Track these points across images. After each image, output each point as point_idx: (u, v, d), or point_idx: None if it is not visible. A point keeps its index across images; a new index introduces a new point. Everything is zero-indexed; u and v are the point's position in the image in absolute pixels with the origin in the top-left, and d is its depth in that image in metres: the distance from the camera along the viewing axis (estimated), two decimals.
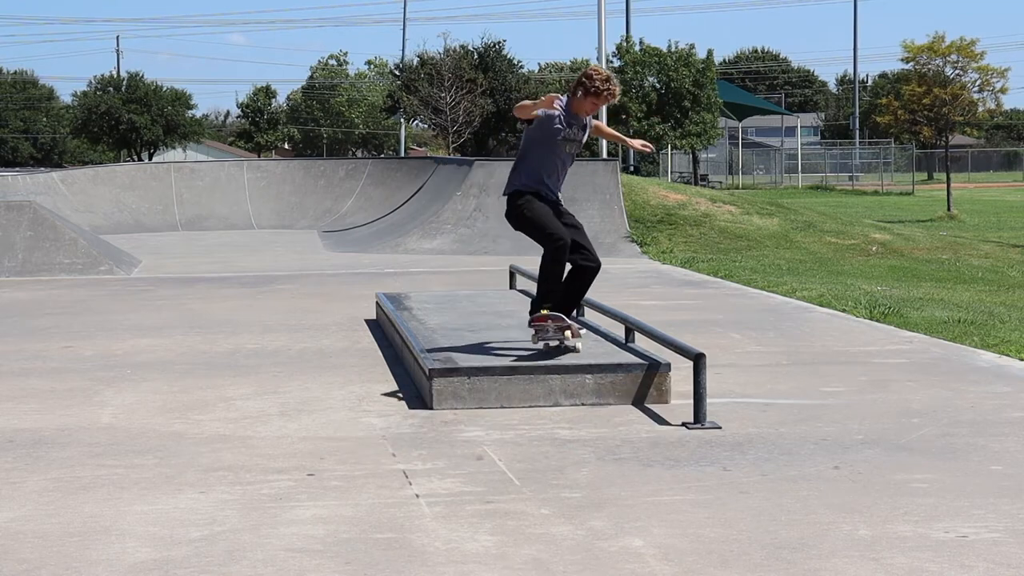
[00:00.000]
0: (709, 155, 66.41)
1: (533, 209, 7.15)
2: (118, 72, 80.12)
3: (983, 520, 4.60)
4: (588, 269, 7.23)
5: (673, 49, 48.96)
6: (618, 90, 7.21)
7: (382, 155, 72.11)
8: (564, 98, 7.19)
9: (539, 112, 7.07)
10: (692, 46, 49.38)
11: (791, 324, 10.05)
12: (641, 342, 7.56)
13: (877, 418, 6.42)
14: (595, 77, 7.12)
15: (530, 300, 7.58)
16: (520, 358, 6.99)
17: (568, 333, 7.10)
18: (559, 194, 7.31)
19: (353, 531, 4.52)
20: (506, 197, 7.33)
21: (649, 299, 12.04)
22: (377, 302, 10.08)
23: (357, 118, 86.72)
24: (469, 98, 48.40)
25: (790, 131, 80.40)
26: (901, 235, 21.26)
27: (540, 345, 7.17)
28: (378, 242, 19.33)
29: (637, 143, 7.71)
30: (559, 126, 7.13)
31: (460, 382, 6.70)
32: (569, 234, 7.12)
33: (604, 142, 23.80)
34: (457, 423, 6.36)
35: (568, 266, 7.20)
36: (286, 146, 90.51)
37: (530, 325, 7.19)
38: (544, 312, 7.09)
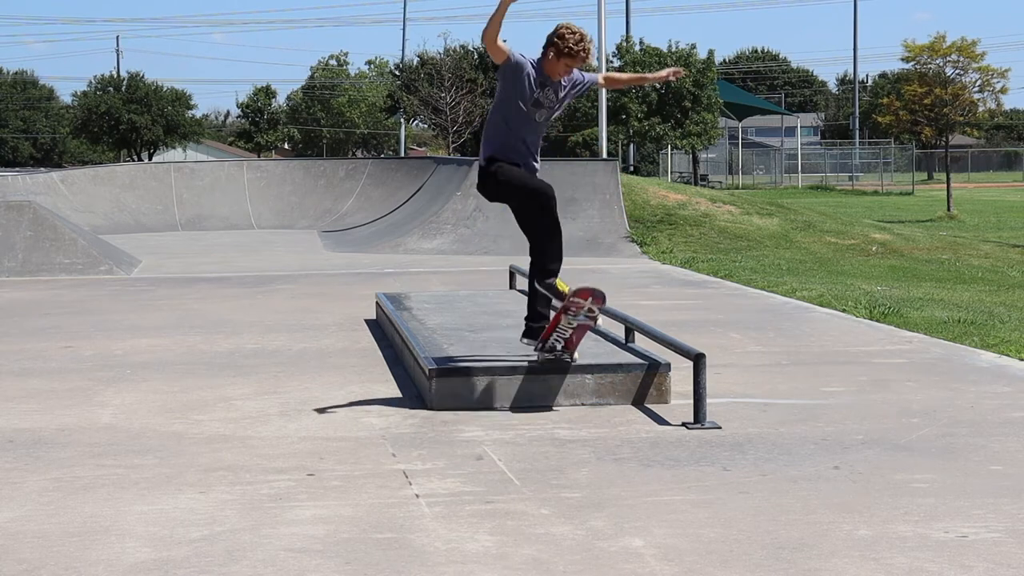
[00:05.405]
0: (709, 155, 66.40)
1: (506, 172, 6.51)
2: (118, 72, 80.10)
3: (983, 520, 4.60)
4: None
5: (673, 49, 48.98)
6: (593, 49, 6.58)
7: (382, 155, 72.06)
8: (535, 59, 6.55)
9: (511, 54, 6.40)
10: (692, 46, 49.44)
11: (791, 324, 10.04)
12: (641, 342, 7.56)
13: (877, 418, 6.42)
14: (568, 37, 6.43)
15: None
16: (520, 358, 6.98)
17: (598, 314, 6.53)
18: (536, 165, 6.67)
19: (353, 531, 4.52)
20: (479, 167, 6.69)
21: (649, 299, 12.04)
22: (377, 302, 10.08)
23: (357, 118, 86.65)
24: (469, 98, 48.39)
25: (790, 131, 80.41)
26: (901, 235, 21.25)
27: (535, 356, 6.70)
28: (378, 242, 19.32)
29: (665, 73, 7.01)
30: (529, 89, 6.46)
31: (460, 382, 6.69)
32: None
33: (604, 142, 23.75)
34: (457, 423, 6.36)
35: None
36: (286, 146, 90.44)
37: (567, 303, 6.42)
38: (575, 289, 6.42)
